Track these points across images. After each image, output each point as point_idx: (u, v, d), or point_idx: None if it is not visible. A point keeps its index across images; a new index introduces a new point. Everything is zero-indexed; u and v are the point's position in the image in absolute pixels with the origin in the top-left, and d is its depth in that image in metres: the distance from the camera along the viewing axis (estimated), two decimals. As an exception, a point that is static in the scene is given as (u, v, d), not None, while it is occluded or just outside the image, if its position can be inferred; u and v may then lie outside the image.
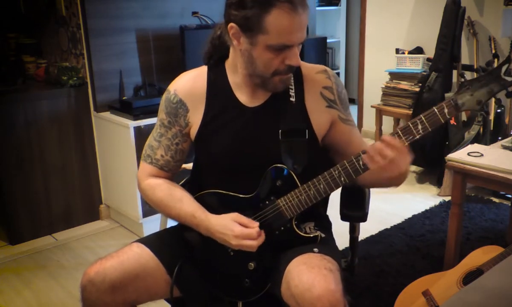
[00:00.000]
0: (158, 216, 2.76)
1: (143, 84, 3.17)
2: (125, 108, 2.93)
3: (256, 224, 1.31)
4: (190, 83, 1.41)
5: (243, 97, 1.38)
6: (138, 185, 1.48)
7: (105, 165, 3.18)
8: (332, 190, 1.31)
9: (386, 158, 1.20)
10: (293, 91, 1.37)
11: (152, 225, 2.85)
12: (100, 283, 1.30)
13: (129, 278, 1.33)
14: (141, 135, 2.77)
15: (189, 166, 1.57)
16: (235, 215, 1.32)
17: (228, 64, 1.40)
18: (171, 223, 1.51)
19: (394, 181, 1.35)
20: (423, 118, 1.23)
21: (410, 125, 1.24)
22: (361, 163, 1.26)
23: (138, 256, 1.36)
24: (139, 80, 3.19)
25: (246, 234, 1.28)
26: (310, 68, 1.42)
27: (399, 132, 1.24)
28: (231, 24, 1.26)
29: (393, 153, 1.20)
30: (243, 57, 1.30)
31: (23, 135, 2.89)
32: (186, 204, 1.38)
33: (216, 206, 1.36)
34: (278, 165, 1.33)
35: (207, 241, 1.38)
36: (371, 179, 1.37)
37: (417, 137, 1.24)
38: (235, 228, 1.29)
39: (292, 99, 1.36)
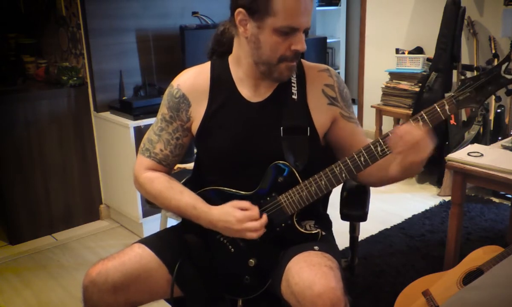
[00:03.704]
0: (158, 216, 2.76)
1: (143, 84, 3.17)
2: (125, 108, 2.94)
3: (256, 207, 1.31)
4: (193, 78, 1.42)
5: (246, 91, 1.38)
6: (135, 179, 1.47)
7: (105, 165, 3.18)
8: (334, 186, 1.32)
9: (412, 140, 1.18)
10: (295, 88, 1.38)
11: (152, 225, 2.85)
12: (102, 284, 1.31)
13: (130, 279, 1.33)
14: (141, 135, 2.76)
15: (190, 166, 1.57)
16: (234, 202, 1.33)
17: (231, 58, 1.41)
18: (171, 223, 1.51)
19: (411, 169, 1.26)
20: (424, 114, 1.24)
21: (411, 121, 1.24)
22: (362, 159, 1.27)
23: (140, 256, 1.37)
24: (139, 80, 3.19)
25: (247, 216, 1.29)
26: (312, 67, 1.43)
27: (411, 121, 1.23)
28: (239, 9, 1.27)
29: (419, 135, 1.18)
30: (250, 44, 1.30)
31: (23, 135, 2.89)
32: (186, 196, 1.38)
33: (217, 203, 1.36)
34: (280, 162, 1.33)
35: (208, 239, 1.39)
36: (379, 174, 1.35)
37: None
38: (236, 213, 1.30)
39: (294, 97, 1.37)
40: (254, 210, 1.31)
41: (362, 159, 1.27)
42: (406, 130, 1.20)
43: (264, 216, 1.31)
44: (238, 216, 1.29)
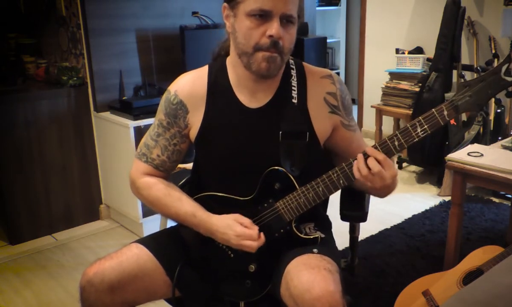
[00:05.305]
0: (158, 216, 2.75)
1: (143, 84, 3.17)
2: (125, 108, 2.94)
3: (256, 227, 1.31)
4: (190, 84, 1.40)
5: (243, 97, 1.37)
6: (132, 183, 1.46)
7: (105, 165, 3.18)
8: (331, 193, 1.31)
9: (371, 170, 1.22)
10: (296, 92, 1.36)
11: (152, 225, 2.85)
12: (98, 284, 1.30)
13: (127, 279, 1.33)
14: (141, 135, 2.76)
15: (189, 166, 1.56)
16: (237, 216, 1.32)
17: (229, 61, 1.39)
18: (170, 223, 1.51)
19: (378, 192, 1.33)
20: (422, 120, 1.22)
21: (409, 127, 1.23)
22: None
23: (137, 256, 1.36)
24: (139, 80, 3.18)
25: (247, 234, 1.28)
26: (314, 72, 1.41)
27: (398, 135, 1.24)
28: (224, 4, 1.29)
29: (377, 166, 1.21)
30: (232, 38, 1.31)
31: (23, 135, 2.89)
32: (185, 204, 1.37)
33: (215, 209, 1.36)
34: (275, 167, 1.32)
35: (206, 243, 1.38)
36: (359, 185, 1.37)
37: (417, 139, 1.23)
38: (237, 228, 1.29)
39: (294, 101, 1.35)
40: (254, 231, 1.29)
41: None
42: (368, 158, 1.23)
43: (262, 238, 1.30)
44: (238, 231, 1.29)
